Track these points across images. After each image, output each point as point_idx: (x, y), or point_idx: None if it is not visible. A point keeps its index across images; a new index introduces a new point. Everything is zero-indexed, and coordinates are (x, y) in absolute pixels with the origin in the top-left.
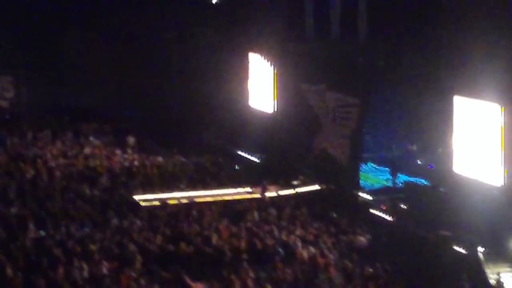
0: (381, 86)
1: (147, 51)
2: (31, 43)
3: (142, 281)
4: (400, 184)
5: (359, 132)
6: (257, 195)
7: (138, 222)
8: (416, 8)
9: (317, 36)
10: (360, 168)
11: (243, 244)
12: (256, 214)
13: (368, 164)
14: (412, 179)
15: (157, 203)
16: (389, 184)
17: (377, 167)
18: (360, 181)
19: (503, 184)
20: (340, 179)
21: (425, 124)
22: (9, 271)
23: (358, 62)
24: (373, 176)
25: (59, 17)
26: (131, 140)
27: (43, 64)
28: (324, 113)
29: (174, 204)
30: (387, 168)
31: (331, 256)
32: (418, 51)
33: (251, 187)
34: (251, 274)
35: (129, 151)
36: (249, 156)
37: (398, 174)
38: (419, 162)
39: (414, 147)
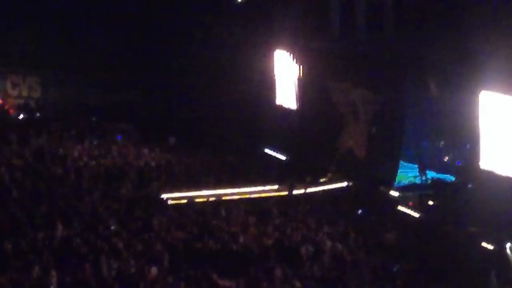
0: (407, 83)
1: (174, 49)
2: (58, 42)
3: (170, 279)
4: (428, 181)
5: (396, 130)
6: (284, 193)
7: (166, 220)
8: (442, 4)
9: (343, 33)
10: (397, 166)
11: (270, 242)
12: (283, 212)
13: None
14: (440, 175)
15: (184, 201)
16: (417, 180)
17: (405, 164)
18: (394, 179)
19: None
20: (367, 176)
21: (452, 120)
22: (37, 270)
23: (385, 59)
24: (401, 173)
25: (86, 16)
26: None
27: (70, 63)
28: (349, 111)
29: (201, 202)
30: (415, 165)
31: (358, 253)
32: (445, 47)
33: (278, 185)
34: (279, 272)
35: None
36: (276, 154)
37: (426, 171)
38: (446, 159)
39: (442, 144)
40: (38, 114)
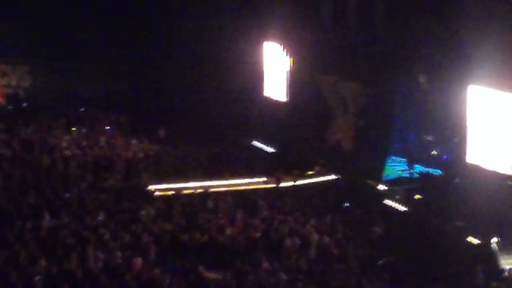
0: (396, 77)
1: (164, 41)
2: (48, 32)
3: (156, 271)
4: (415, 175)
5: (384, 124)
6: (272, 185)
7: (153, 212)
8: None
9: (333, 25)
10: (384, 160)
11: (257, 234)
12: (270, 204)
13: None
14: (427, 169)
15: (172, 192)
16: (405, 174)
17: (392, 158)
18: (382, 173)
19: None
20: (355, 169)
21: (441, 114)
22: (24, 259)
23: (374, 52)
24: (388, 167)
25: (76, 6)
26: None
27: (60, 53)
28: (337, 104)
29: (188, 194)
30: (403, 159)
31: (345, 247)
32: (434, 41)
33: (266, 177)
34: (265, 264)
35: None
36: (264, 146)
37: (414, 165)
38: (434, 153)
39: (430, 138)
40: (26, 104)
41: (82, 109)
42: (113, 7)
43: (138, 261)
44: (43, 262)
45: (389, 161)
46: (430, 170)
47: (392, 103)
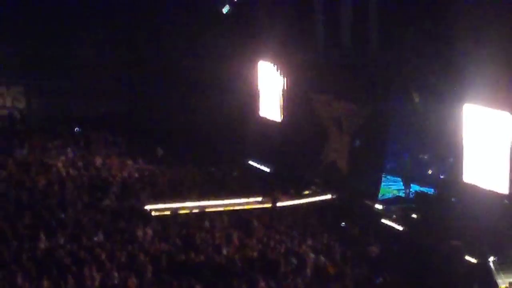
0: (391, 96)
1: (158, 60)
2: (42, 53)
3: None
4: (411, 194)
5: (379, 143)
6: (268, 205)
7: (149, 232)
8: (427, 17)
9: (328, 45)
10: (380, 179)
11: (254, 254)
12: (267, 224)
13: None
14: (423, 189)
15: (168, 212)
16: (401, 194)
17: (388, 177)
18: (378, 192)
19: None
20: (351, 189)
21: (436, 133)
22: (19, 280)
23: (369, 71)
24: (384, 186)
25: (69, 27)
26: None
27: (54, 74)
28: (332, 123)
29: (185, 214)
30: (398, 178)
31: (342, 266)
32: (429, 60)
33: (262, 197)
34: (262, 284)
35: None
36: (260, 166)
37: (410, 184)
38: (430, 172)
39: (426, 157)
40: (21, 125)
41: (77, 130)
42: (108, 27)
43: (132, 281)
44: (45, 283)
45: (385, 180)
46: (426, 189)
47: (387, 123)
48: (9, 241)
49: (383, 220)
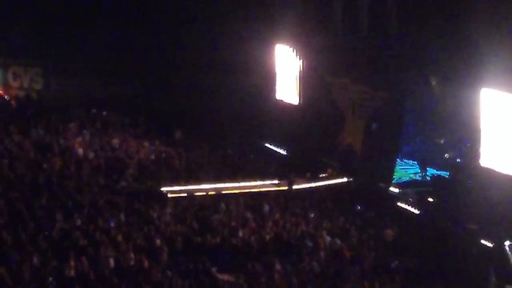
0: (409, 80)
1: (175, 43)
2: (60, 34)
3: (169, 273)
4: (427, 178)
5: (395, 127)
6: (284, 188)
7: (165, 214)
8: (445, 2)
9: (345, 28)
10: (395, 163)
11: (269, 236)
12: (283, 207)
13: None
14: (440, 172)
15: (184, 194)
16: (417, 177)
17: (405, 161)
18: (393, 175)
19: None
20: (368, 172)
21: (453, 117)
22: (36, 261)
23: (387, 55)
24: (401, 170)
25: (88, 7)
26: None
27: (72, 55)
28: (348, 107)
29: (201, 196)
30: (415, 162)
31: (357, 249)
32: (447, 44)
33: (278, 179)
34: (278, 266)
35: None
36: (276, 149)
37: (427, 168)
38: (447, 156)
39: (443, 141)
40: (39, 105)
41: (95, 111)
42: (127, 9)
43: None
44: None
45: (401, 164)
46: (443, 173)
47: (403, 106)
48: (26, 222)
49: (399, 204)
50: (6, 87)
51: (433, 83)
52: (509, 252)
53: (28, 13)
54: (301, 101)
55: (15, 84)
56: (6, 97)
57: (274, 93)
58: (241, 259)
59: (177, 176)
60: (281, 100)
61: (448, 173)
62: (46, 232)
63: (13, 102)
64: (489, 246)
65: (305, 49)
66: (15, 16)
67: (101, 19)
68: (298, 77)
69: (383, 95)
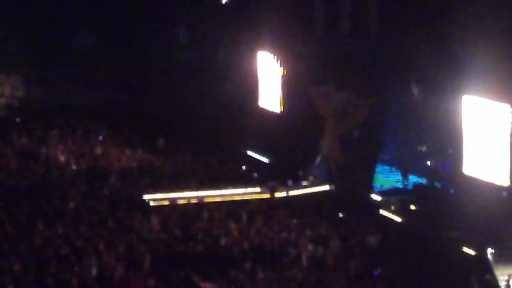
0: (390, 87)
1: (157, 49)
2: (41, 42)
3: (151, 281)
4: (410, 185)
5: (376, 134)
6: (267, 195)
7: (147, 222)
8: (427, 7)
9: (327, 35)
10: (375, 170)
11: (252, 244)
12: (265, 215)
13: (378, 164)
14: (421, 180)
15: (167, 202)
16: (399, 185)
17: (386, 168)
18: (374, 183)
19: None
20: (349, 180)
21: (435, 124)
22: (18, 269)
23: (368, 62)
24: (383, 177)
25: (70, 15)
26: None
27: (53, 63)
28: (330, 114)
29: (183, 204)
30: (397, 169)
31: (340, 257)
32: (429, 51)
33: (260, 187)
34: (260, 274)
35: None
36: (258, 156)
37: (409, 175)
38: (429, 163)
39: (424, 148)
40: (20, 114)
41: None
42: (109, 15)
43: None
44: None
45: (383, 171)
46: (425, 180)
47: (384, 114)
48: (7, 231)
49: (381, 211)
50: None
51: (415, 90)
52: (491, 260)
53: (9, 21)
54: (283, 108)
55: None
56: None
57: (257, 100)
58: (224, 267)
59: (160, 184)
60: (264, 108)
61: (429, 181)
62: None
63: None
64: (471, 254)
65: (287, 56)
66: None
67: (83, 26)
68: (280, 84)
69: (364, 103)
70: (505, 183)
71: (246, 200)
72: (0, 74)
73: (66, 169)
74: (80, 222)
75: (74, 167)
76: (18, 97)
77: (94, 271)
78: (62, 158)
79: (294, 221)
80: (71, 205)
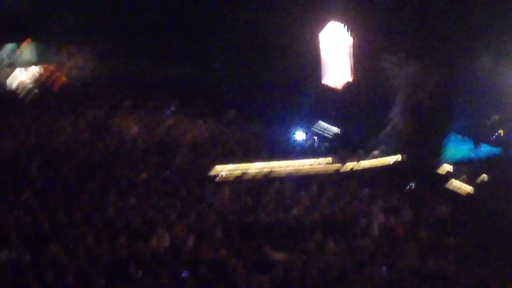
0: (462, 57)
1: (224, 22)
2: (114, 14)
3: (222, 252)
4: (481, 155)
5: (447, 103)
6: (337, 166)
7: (219, 192)
8: None
9: (396, 5)
10: (447, 140)
11: (323, 214)
12: (336, 185)
13: (449, 134)
14: (493, 149)
15: (237, 173)
16: (471, 154)
17: (458, 137)
18: (445, 153)
19: None
20: (420, 150)
21: (507, 94)
22: (91, 240)
23: (439, 31)
24: (454, 146)
25: None
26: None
27: (125, 35)
28: (402, 83)
29: (254, 174)
30: (469, 138)
31: (411, 227)
32: (499, 21)
33: (331, 158)
34: (331, 244)
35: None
36: (328, 127)
37: (481, 145)
38: (501, 133)
39: (497, 118)
40: (92, 85)
41: (148, 91)
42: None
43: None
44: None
45: (455, 140)
46: (496, 150)
47: (457, 82)
48: (81, 202)
49: (452, 181)
50: (61, 66)
51: (486, 59)
52: None
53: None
54: (353, 78)
55: (69, 63)
56: (60, 76)
57: (326, 71)
58: (295, 237)
59: (231, 155)
60: (333, 78)
61: (501, 150)
62: (101, 212)
63: (65, 80)
64: None
65: (357, 25)
66: None
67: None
68: (349, 54)
69: (436, 71)
70: None
71: (317, 170)
72: (72, 45)
73: (137, 141)
74: (152, 193)
75: (145, 138)
76: (90, 69)
77: (166, 242)
78: (134, 130)
79: (365, 191)
80: (143, 176)
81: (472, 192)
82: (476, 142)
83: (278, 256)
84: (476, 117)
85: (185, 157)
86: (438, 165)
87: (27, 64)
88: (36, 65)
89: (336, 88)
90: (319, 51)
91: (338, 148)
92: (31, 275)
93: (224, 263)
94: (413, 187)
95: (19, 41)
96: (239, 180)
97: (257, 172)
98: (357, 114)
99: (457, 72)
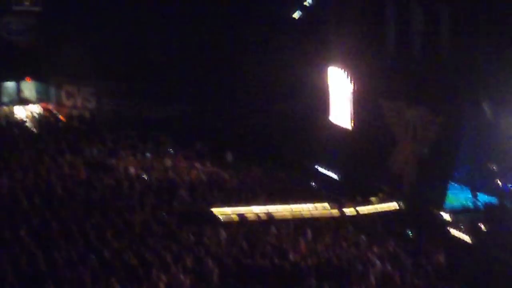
0: (462, 103)
1: (229, 63)
2: (112, 54)
3: None
4: (480, 204)
5: (448, 151)
6: (335, 211)
7: (216, 235)
8: (498, 25)
9: (398, 51)
10: (447, 188)
11: (320, 260)
12: (333, 231)
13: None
14: (492, 199)
15: (235, 216)
16: (469, 203)
17: (456, 186)
18: (445, 201)
19: None
20: (420, 197)
21: (506, 142)
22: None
23: (440, 78)
24: (452, 195)
25: (140, 29)
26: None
27: (124, 75)
28: (402, 130)
29: (252, 218)
30: (466, 187)
31: (407, 274)
32: (501, 68)
33: (329, 203)
34: None
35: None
36: (327, 172)
37: (478, 194)
38: (499, 182)
39: (495, 167)
40: (91, 125)
41: (146, 131)
42: (179, 31)
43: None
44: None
45: (452, 189)
46: (495, 200)
47: (457, 130)
48: (77, 242)
49: (450, 230)
50: (59, 105)
51: (487, 107)
52: None
53: (82, 33)
54: (353, 124)
55: (68, 103)
56: (59, 115)
57: (327, 115)
58: (291, 282)
59: (228, 198)
60: (334, 123)
61: (499, 200)
62: (97, 252)
63: (63, 120)
64: None
65: (358, 72)
66: (69, 37)
67: (153, 40)
68: (351, 100)
69: (437, 119)
70: None
71: (314, 215)
72: (72, 85)
73: (135, 181)
74: (148, 234)
75: (144, 177)
76: (89, 109)
77: (162, 285)
78: (132, 170)
79: (362, 237)
80: (140, 217)
81: (469, 241)
82: (474, 191)
83: None
84: (474, 165)
85: (182, 199)
86: (437, 213)
87: (26, 103)
88: (35, 104)
89: (339, 130)
90: (326, 94)
91: (336, 194)
92: None
93: None
94: (410, 234)
95: (18, 79)
96: (237, 224)
97: (255, 216)
98: (357, 160)
99: (457, 120)
